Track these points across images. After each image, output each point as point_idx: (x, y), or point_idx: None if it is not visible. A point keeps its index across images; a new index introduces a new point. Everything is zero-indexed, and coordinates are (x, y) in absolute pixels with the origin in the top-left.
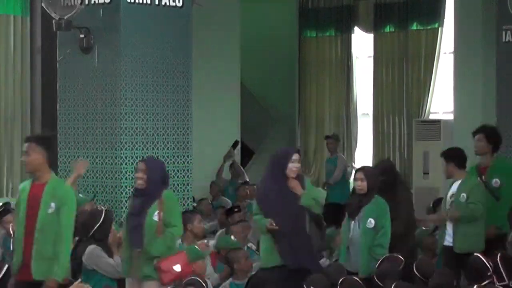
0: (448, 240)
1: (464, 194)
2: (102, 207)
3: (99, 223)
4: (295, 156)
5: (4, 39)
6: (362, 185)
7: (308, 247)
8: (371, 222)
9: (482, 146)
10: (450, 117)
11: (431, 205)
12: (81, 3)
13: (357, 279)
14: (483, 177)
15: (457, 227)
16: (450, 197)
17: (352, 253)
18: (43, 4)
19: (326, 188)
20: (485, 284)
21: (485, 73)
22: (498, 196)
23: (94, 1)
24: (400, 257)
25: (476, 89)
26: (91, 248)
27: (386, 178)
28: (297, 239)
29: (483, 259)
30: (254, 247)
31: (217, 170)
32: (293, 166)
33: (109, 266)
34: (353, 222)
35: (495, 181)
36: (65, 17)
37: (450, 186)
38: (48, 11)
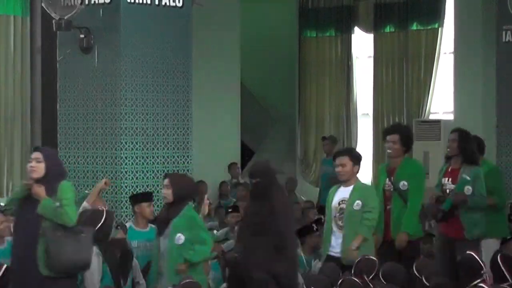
0: (332, 251)
1: (359, 201)
2: (103, 208)
3: (100, 223)
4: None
5: (4, 39)
6: (167, 193)
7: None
8: (180, 237)
9: (397, 149)
10: (450, 117)
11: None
12: (81, 3)
13: (357, 279)
14: (392, 178)
15: (347, 237)
16: (339, 204)
17: (166, 273)
18: (43, 4)
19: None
20: (478, 283)
21: (485, 73)
22: (406, 199)
23: (94, 1)
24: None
25: (476, 89)
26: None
27: (259, 180)
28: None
29: (477, 258)
30: None
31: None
32: (28, 166)
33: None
34: (161, 237)
35: (403, 184)
36: (65, 17)
37: (335, 191)
38: (48, 11)
